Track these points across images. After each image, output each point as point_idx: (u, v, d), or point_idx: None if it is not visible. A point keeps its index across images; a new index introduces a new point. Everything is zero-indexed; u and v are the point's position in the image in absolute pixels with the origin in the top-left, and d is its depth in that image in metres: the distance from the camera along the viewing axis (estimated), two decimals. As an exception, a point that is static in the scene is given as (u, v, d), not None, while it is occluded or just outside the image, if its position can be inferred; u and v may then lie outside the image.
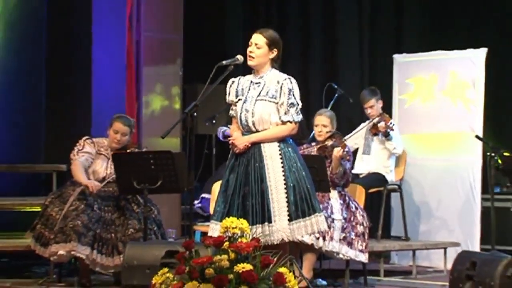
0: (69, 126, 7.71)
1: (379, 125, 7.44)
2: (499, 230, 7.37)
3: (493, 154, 6.19)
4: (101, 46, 8.42)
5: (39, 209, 6.69)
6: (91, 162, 6.62)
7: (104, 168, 6.61)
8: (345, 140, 6.72)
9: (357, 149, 7.74)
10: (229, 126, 6.19)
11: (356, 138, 7.71)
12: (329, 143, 6.63)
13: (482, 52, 7.80)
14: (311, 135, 7.25)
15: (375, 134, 7.58)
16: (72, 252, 6.27)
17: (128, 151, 6.61)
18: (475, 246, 7.58)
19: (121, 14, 8.45)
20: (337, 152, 6.50)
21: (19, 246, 6.82)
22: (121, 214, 6.52)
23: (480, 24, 8.93)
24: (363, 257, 6.52)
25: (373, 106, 7.69)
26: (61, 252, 6.28)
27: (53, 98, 8.80)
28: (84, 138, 6.68)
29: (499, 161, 6.13)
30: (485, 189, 7.73)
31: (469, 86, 7.84)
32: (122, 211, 6.52)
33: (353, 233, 6.47)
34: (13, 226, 7.37)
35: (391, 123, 7.44)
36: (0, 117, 8.96)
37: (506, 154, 6.16)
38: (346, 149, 6.58)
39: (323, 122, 6.76)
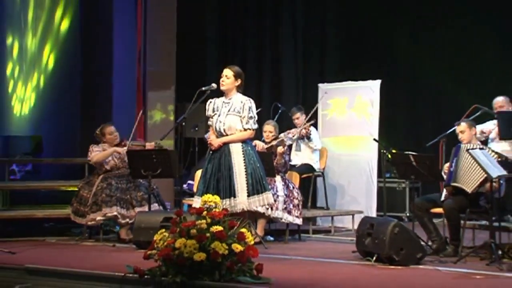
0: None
1: (302, 131, 7.44)
2: (389, 202, 7.38)
3: (385, 151, 6.19)
4: (119, 77, 8.41)
5: (75, 189, 6.61)
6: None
7: (111, 158, 6.53)
8: (282, 139, 6.70)
9: (291, 147, 7.72)
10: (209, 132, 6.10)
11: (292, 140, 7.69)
12: (274, 143, 6.62)
13: (378, 83, 7.83)
14: (263, 138, 7.21)
15: (301, 138, 7.57)
16: (107, 215, 6.25)
17: (124, 144, 6.53)
18: (373, 213, 7.60)
19: (133, 55, 8.41)
20: (280, 149, 6.50)
21: (61, 214, 6.73)
22: (132, 184, 6.47)
23: (376, 63, 8.99)
24: (298, 221, 6.52)
25: (299, 118, 7.65)
26: (98, 218, 6.26)
27: (85, 112, 8.79)
28: (91, 145, 6.57)
29: (389, 156, 6.15)
30: (379, 174, 7.77)
31: (369, 105, 7.86)
32: (133, 183, 6.47)
33: (291, 205, 6.45)
34: (57, 200, 7.29)
35: (310, 129, 7.42)
36: (50, 127, 8.88)
37: (393, 151, 6.18)
38: (285, 148, 6.57)
39: (270, 129, 6.74)
